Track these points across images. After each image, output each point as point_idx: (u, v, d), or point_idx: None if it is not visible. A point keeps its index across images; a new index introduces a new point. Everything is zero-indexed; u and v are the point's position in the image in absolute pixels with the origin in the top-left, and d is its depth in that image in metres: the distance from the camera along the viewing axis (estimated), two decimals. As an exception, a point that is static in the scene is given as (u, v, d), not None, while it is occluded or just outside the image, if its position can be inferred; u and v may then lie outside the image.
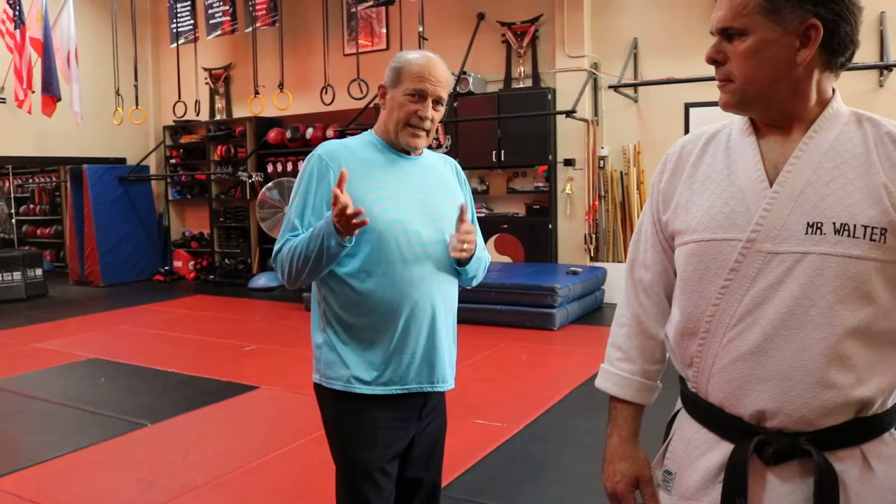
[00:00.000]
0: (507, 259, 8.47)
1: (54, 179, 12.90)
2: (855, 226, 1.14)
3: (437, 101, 1.90)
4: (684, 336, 1.29)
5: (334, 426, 1.94)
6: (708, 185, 1.27)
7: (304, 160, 8.54)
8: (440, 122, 2.24)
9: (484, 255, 2.07)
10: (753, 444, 1.18)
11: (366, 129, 2.03)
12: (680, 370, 1.34)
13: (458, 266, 1.96)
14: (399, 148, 1.94)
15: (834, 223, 1.14)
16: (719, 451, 1.23)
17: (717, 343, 1.22)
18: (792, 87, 1.19)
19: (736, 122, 1.31)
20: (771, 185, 1.20)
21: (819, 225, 1.15)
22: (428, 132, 1.92)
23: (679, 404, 1.37)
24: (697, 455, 1.27)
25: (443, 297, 1.93)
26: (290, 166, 9.99)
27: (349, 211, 1.68)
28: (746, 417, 1.20)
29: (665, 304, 1.39)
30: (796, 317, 1.15)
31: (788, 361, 1.16)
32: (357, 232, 1.75)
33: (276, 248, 1.90)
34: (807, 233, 1.15)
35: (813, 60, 1.17)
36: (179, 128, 11.22)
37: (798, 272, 1.15)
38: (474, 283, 2.09)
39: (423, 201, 1.91)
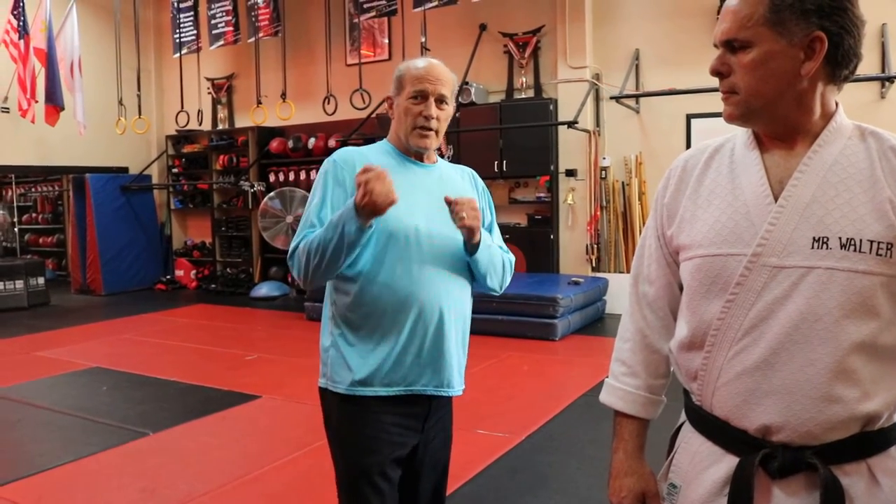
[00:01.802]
0: (508, 269, 8.45)
1: (57, 188, 12.94)
2: (861, 240, 1.14)
3: (440, 100, 1.92)
4: (689, 349, 1.29)
5: (337, 429, 1.94)
6: (712, 200, 1.27)
7: (306, 170, 8.53)
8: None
9: (501, 255, 2.05)
10: (759, 457, 1.18)
11: (368, 140, 2.05)
12: (684, 383, 1.34)
13: (467, 255, 1.94)
14: (412, 155, 1.97)
15: (840, 238, 1.14)
16: (725, 464, 1.23)
17: (723, 357, 1.22)
18: (796, 99, 1.19)
19: (739, 136, 1.31)
20: (776, 199, 1.19)
21: (825, 240, 1.15)
22: (437, 132, 1.94)
23: (683, 417, 1.36)
24: (702, 468, 1.27)
25: (452, 301, 1.93)
26: (292, 176, 9.99)
27: (383, 173, 1.70)
28: (752, 431, 1.20)
29: (669, 318, 1.39)
30: (802, 331, 1.15)
31: (794, 376, 1.15)
32: (381, 213, 1.74)
33: (292, 245, 1.90)
34: (813, 247, 1.15)
35: (817, 73, 1.18)
36: (182, 137, 11.26)
37: (804, 287, 1.15)
38: (491, 284, 2.03)
39: (435, 208, 1.90)
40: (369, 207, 1.70)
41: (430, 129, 1.91)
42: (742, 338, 1.20)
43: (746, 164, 1.25)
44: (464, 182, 2.06)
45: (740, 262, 1.20)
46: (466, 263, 1.98)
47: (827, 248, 1.15)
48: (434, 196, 1.92)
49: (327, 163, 1.95)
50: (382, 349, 1.86)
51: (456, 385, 1.98)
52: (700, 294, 1.26)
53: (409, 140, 1.93)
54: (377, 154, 1.96)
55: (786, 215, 1.18)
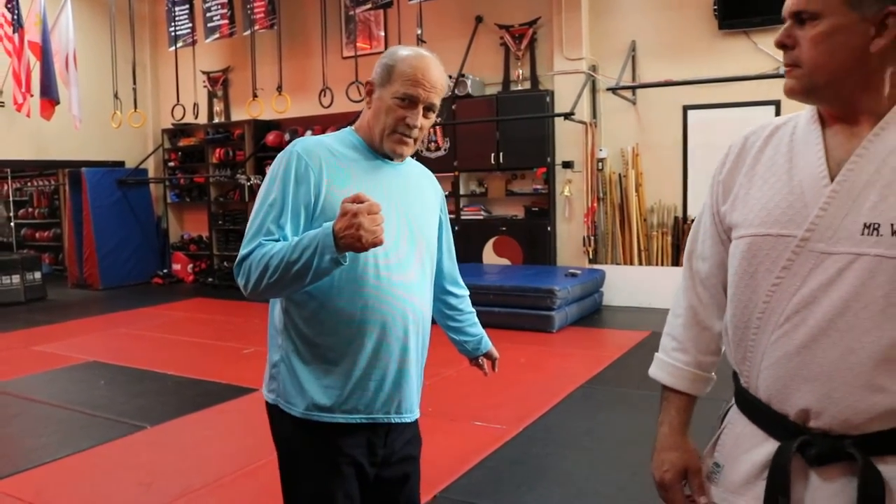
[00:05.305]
0: (505, 261, 8.47)
1: (53, 183, 12.90)
2: None
3: (428, 108, 1.72)
4: (737, 330, 1.28)
5: (290, 454, 1.78)
6: (767, 179, 1.24)
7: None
8: (439, 125, 2.19)
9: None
10: (797, 444, 1.17)
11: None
12: (734, 365, 1.32)
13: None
14: (382, 153, 1.77)
15: (892, 225, 1.10)
16: (766, 447, 1.22)
17: (766, 339, 1.21)
18: (863, 77, 1.15)
19: (803, 114, 1.26)
20: (832, 181, 1.15)
21: (876, 226, 1.11)
22: (416, 140, 1.75)
23: (734, 398, 1.36)
24: (744, 450, 1.27)
25: (417, 316, 1.77)
26: (288, 169, 9.97)
27: (376, 211, 1.51)
28: (792, 416, 1.19)
29: (721, 296, 1.37)
30: (845, 319, 1.12)
31: (834, 363, 1.13)
32: (362, 251, 1.55)
33: (243, 251, 1.64)
34: (863, 233, 1.12)
35: (888, 51, 1.12)
36: (178, 131, 11.23)
37: (850, 274, 1.12)
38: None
39: (401, 213, 1.75)
40: (351, 241, 1.51)
41: (411, 138, 1.73)
42: (784, 322, 1.18)
43: (807, 143, 1.21)
44: (426, 184, 1.91)
45: (789, 244, 1.17)
46: (431, 268, 1.86)
47: (878, 235, 1.11)
48: (402, 200, 1.77)
49: (287, 154, 1.68)
50: (340, 371, 1.69)
51: (415, 409, 1.84)
52: (748, 275, 1.24)
53: (383, 141, 1.72)
54: (342, 147, 1.75)
55: (838, 199, 1.14)
